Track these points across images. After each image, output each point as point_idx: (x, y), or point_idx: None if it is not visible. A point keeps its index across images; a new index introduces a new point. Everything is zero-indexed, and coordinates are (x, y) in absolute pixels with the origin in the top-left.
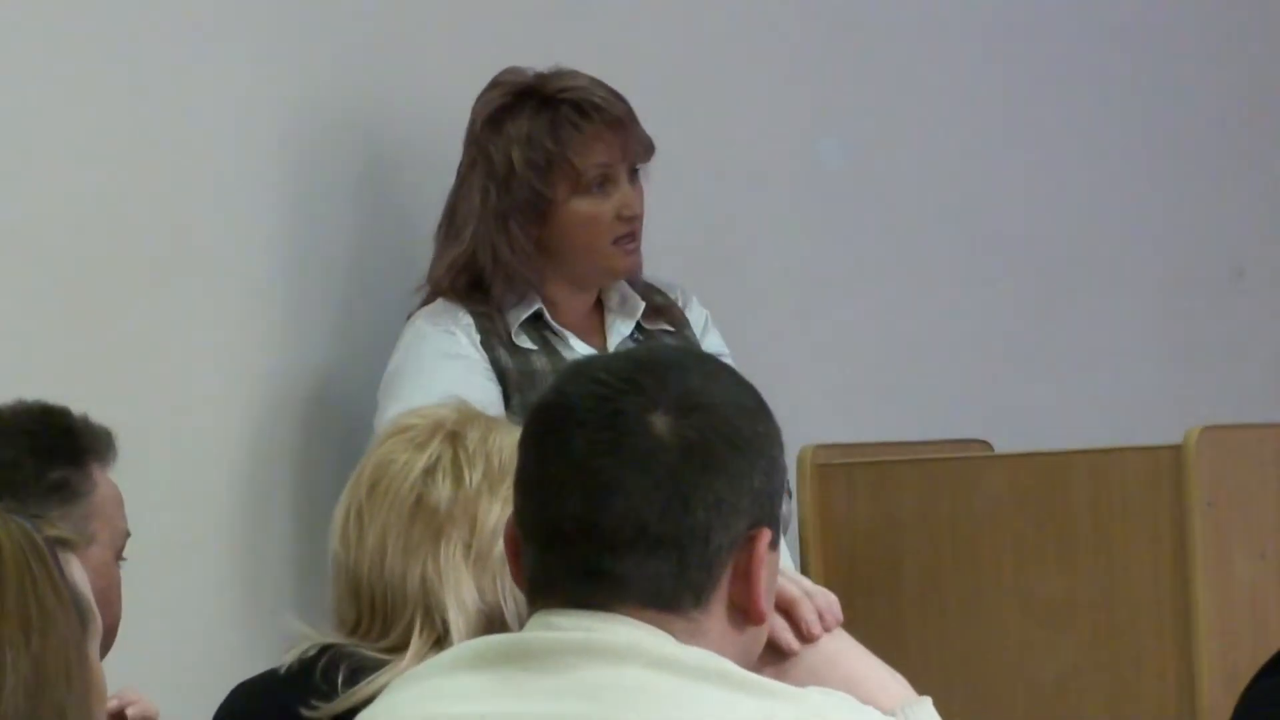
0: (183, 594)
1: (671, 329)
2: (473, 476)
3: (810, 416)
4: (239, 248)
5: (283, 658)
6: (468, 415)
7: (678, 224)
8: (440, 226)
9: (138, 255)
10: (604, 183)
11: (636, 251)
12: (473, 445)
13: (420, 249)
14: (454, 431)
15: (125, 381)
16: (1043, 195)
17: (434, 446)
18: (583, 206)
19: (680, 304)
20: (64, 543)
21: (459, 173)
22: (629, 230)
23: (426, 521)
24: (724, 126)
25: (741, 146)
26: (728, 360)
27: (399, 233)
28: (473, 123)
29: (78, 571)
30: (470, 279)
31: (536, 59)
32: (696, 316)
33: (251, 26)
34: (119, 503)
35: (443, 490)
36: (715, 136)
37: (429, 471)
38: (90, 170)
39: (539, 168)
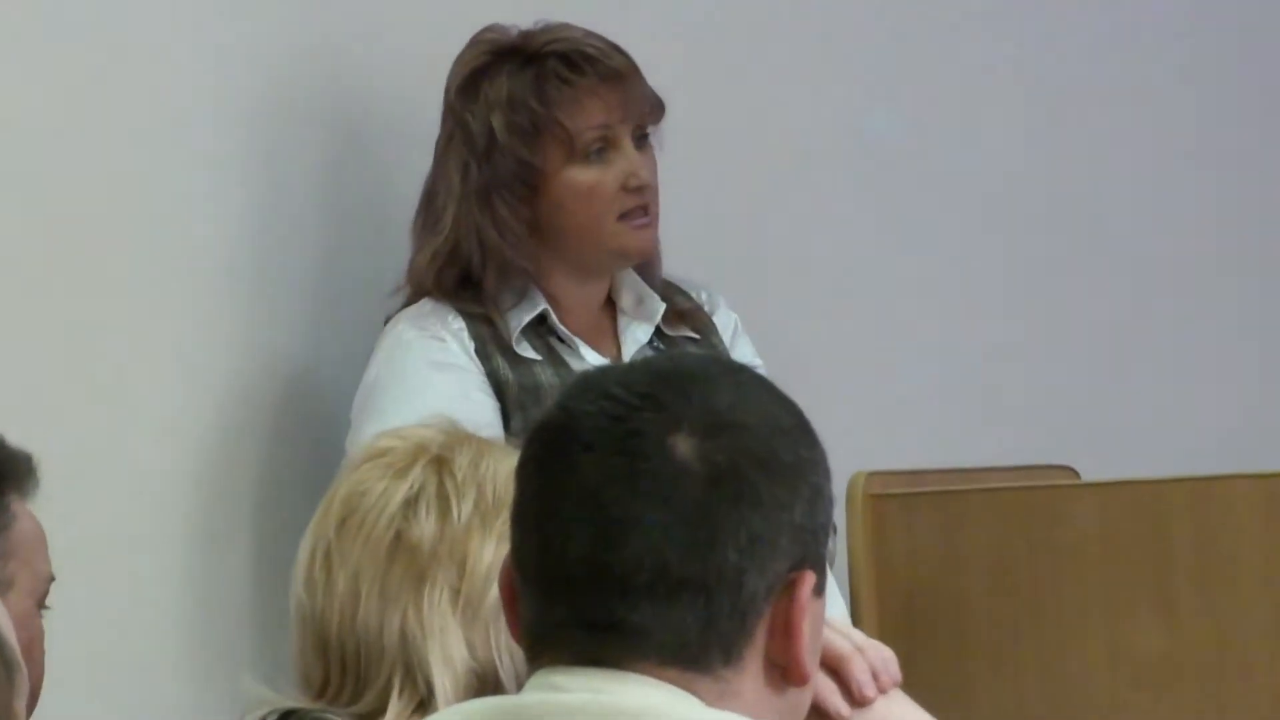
0: (119, 649)
1: (696, 336)
2: (462, 509)
3: (861, 438)
4: (190, 240)
5: None
6: (456, 437)
7: (701, 212)
8: (417, 215)
9: (67, 244)
10: (604, 148)
11: (650, 228)
12: (462, 473)
13: (400, 241)
14: (440, 456)
15: (54, 393)
16: (1141, 185)
17: (416, 474)
18: (579, 176)
19: (706, 308)
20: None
21: (435, 152)
22: (639, 203)
23: (407, 563)
24: (755, 95)
25: (778, 120)
26: (761, 372)
27: (376, 224)
28: (447, 90)
29: (2, 617)
30: (458, 274)
31: (535, 19)
32: (725, 321)
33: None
34: (41, 540)
35: (426, 526)
36: (745, 108)
37: (410, 503)
38: (26, 149)
39: (524, 133)
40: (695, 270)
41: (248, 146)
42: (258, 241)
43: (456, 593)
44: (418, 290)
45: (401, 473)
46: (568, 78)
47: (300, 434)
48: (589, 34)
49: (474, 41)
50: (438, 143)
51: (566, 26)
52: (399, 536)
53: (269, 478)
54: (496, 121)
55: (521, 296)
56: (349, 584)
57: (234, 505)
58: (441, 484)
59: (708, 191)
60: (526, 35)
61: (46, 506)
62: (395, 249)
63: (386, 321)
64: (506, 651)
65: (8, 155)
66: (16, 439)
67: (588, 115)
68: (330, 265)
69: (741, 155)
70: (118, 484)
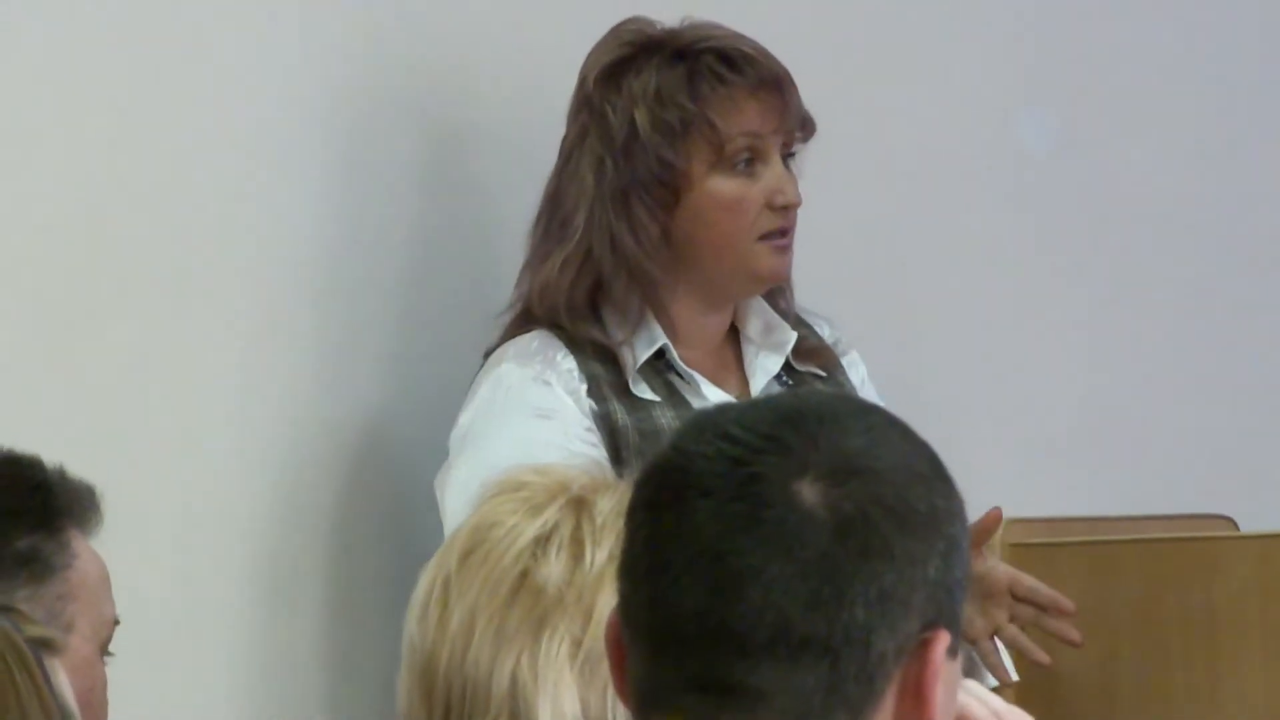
0: (186, 697)
1: (824, 374)
2: (596, 556)
3: (1001, 485)
4: (264, 262)
5: None
6: (601, 481)
7: (830, 235)
8: (538, 222)
9: (136, 269)
10: (751, 159)
11: (788, 252)
12: (602, 517)
13: (501, 261)
14: (581, 497)
15: (117, 427)
16: None
17: (552, 512)
18: (724, 186)
19: (830, 341)
20: (49, 645)
21: (562, 150)
22: (782, 224)
23: (529, 605)
24: (886, 103)
25: (910, 129)
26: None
27: (470, 246)
28: (583, 81)
29: (63, 678)
30: (592, 284)
31: (657, 13)
32: (852, 363)
33: None
34: (105, 581)
35: (555, 568)
36: (875, 116)
37: (541, 541)
38: (86, 171)
39: (671, 131)
40: (823, 300)
41: (331, 159)
42: (340, 264)
43: (578, 644)
44: (541, 309)
45: (537, 509)
46: (725, 76)
47: (383, 476)
48: (743, 36)
49: (615, 31)
50: (564, 141)
51: (718, 26)
52: (524, 575)
53: (351, 520)
54: (640, 116)
55: (638, 326)
56: (464, 619)
57: (311, 549)
58: (578, 526)
59: (837, 211)
60: (673, 32)
61: (110, 544)
62: (491, 272)
63: (487, 355)
64: (619, 713)
65: (80, 180)
66: (81, 472)
67: (742, 119)
68: (420, 289)
69: (874, 170)
70: (183, 523)
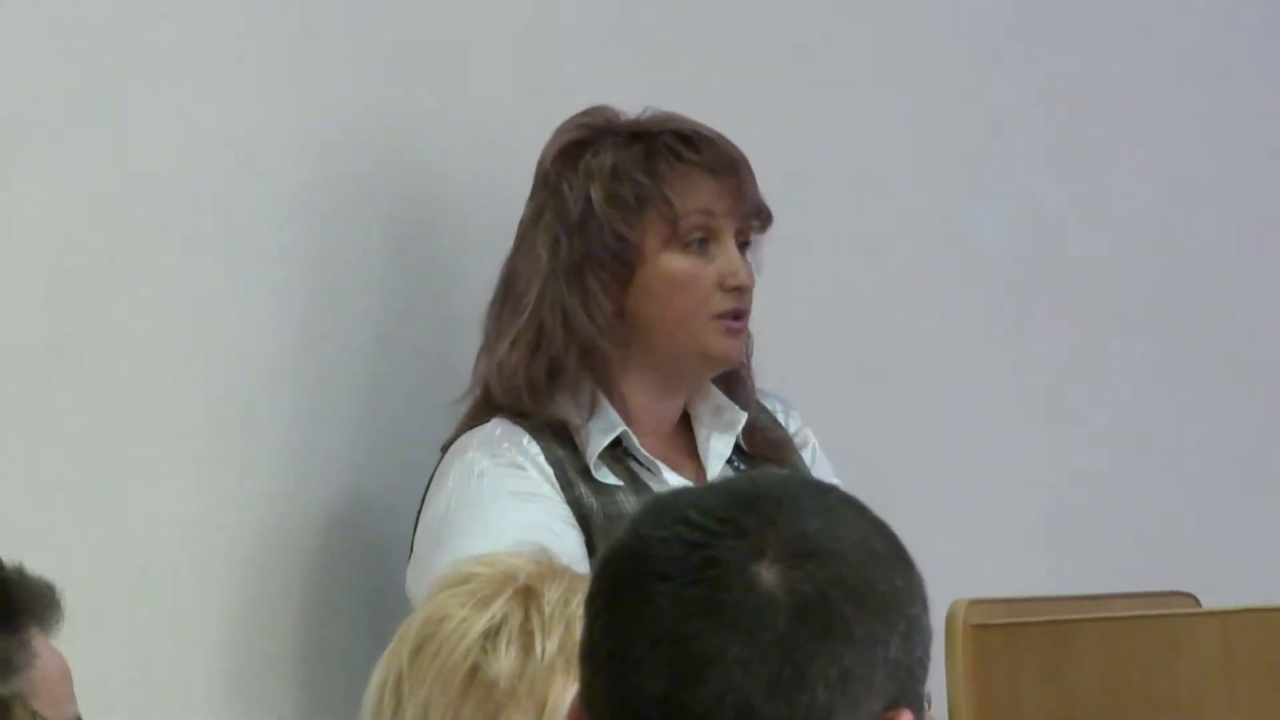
0: None
1: (778, 458)
2: (546, 646)
3: (962, 564)
4: (231, 350)
5: None
6: (548, 568)
7: (787, 315)
8: (494, 304)
9: (103, 358)
10: (705, 240)
11: (741, 335)
12: (550, 607)
13: (467, 347)
14: (529, 587)
15: (74, 518)
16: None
17: (500, 604)
18: (677, 264)
19: (781, 418)
20: None
21: (520, 230)
22: (735, 307)
23: (482, 699)
24: (838, 185)
25: (865, 212)
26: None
27: (439, 327)
28: (541, 161)
29: None
30: (547, 364)
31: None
32: (803, 441)
33: (268, 69)
34: (65, 678)
35: (506, 661)
36: (829, 197)
37: (490, 635)
38: (57, 267)
39: (626, 206)
40: (780, 381)
41: (298, 246)
42: (307, 350)
43: None
44: (500, 391)
45: (484, 601)
46: (682, 154)
47: (348, 570)
48: (702, 124)
49: (576, 117)
50: (522, 221)
51: (678, 115)
52: (475, 670)
53: (317, 616)
54: (596, 192)
55: (593, 411)
56: (418, 715)
57: (278, 647)
58: (527, 617)
59: (794, 292)
60: (635, 119)
61: (71, 643)
62: (456, 359)
63: (444, 449)
64: None
65: (50, 274)
66: (37, 562)
67: (696, 197)
68: (386, 368)
69: (821, 248)
70: (146, 614)
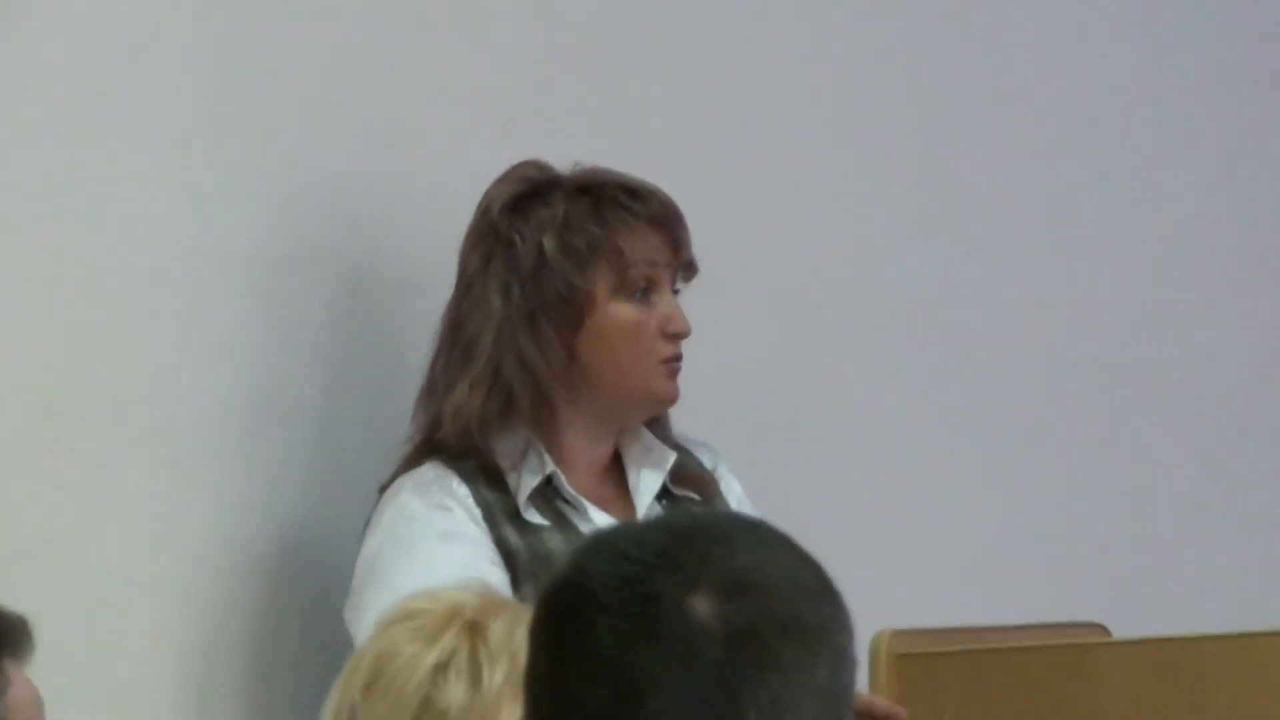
0: None
1: (701, 493)
2: (493, 678)
3: (885, 597)
4: (188, 393)
5: None
6: (492, 602)
7: (710, 367)
8: (439, 353)
9: (68, 402)
10: (647, 289)
11: (678, 376)
12: (495, 640)
13: (410, 394)
14: (474, 621)
15: (39, 553)
16: (1176, 345)
17: (448, 639)
18: (624, 312)
19: (708, 464)
20: None
21: (462, 280)
22: (675, 352)
23: None
24: (773, 238)
25: (795, 265)
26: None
27: (382, 377)
28: (485, 211)
29: None
30: (502, 403)
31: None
32: (729, 487)
33: (217, 132)
34: (37, 705)
35: (456, 692)
36: (752, 261)
37: (440, 669)
38: (34, 292)
39: (578, 255)
40: (707, 429)
41: (251, 300)
42: (258, 400)
43: None
44: (454, 430)
45: (433, 637)
46: (630, 206)
47: (299, 601)
48: (641, 179)
49: (516, 169)
50: (466, 270)
51: (611, 169)
52: (427, 701)
53: (269, 644)
54: (549, 241)
55: (525, 454)
56: None
57: (230, 673)
58: (474, 650)
59: (716, 346)
60: (575, 173)
61: (40, 670)
62: (400, 404)
63: (382, 490)
64: None
65: (15, 332)
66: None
67: (645, 247)
68: (333, 412)
69: (750, 309)
70: (109, 652)
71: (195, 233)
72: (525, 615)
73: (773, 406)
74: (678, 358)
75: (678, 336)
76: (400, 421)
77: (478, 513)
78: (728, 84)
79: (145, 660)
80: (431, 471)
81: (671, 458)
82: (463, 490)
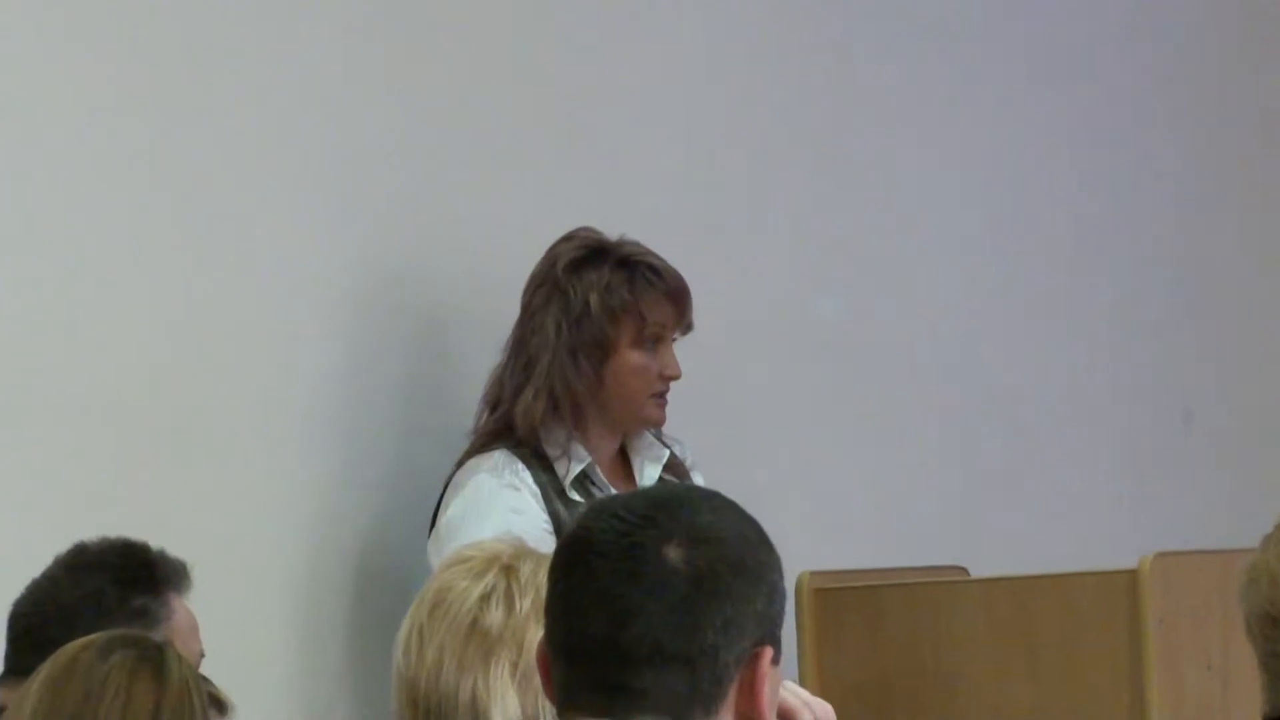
0: (248, 706)
1: (679, 476)
2: (523, 605)
3: (807, 545)
4: (286, 403)
5: None
6: (522, 551)
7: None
8: (507, 362)
9: (189, 409)
10: (656, 341)
11: (666, 406)
12: (524, 577)
13: (465, 399)
14: (509, 565)
15: (189, 521)
16: (1018, 354)
17: (490, 577)
18: (636, 358)
19: (680, 456)
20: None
21: (527, 310)
22: (665, 389)
23: (479, 643)
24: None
25: (744, 306)
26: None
27: (446, 384)
28: (551, 264)
29: None
30: (548, 407)
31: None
32: (690, 464)
33: (310, 191)
34: (194, 628)
35: (495, 616)
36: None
37: (485, 598)
38: (141, 328)
39: (612, 312)
40: (680, 424)
41: (337, 335)
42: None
43: (515, 666)
44: (523, 427)
45: (479, 575)
46: (653, 281)
47: (387, 559)
48: (662, 259)
49: (576, 235)
50: (529, 303)
51: (640, 244)
52: (475, 622)
53: (364, 589)
54: (594, 299)
55: (564, 449)
56: (435, 655)
57: (334, 614)
58: (509, 585)
59: (688, 365)
60: (617, 243)
61: (198, 600)
62: (463, 408)
63: (459, 464)
64: (546, 710)
65: (106, 360)
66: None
67: (660, 312)
68: (402, 427)
69: (712, 333)
70: (249, 590)
71: (291, 289)
72: (546, 560)
73: (722, 411)
74: (666, 392)
75: (672, 379)
76: (454, 434)
77: (537, 491)
78: (674, 133)
79: (271, 596)
80: (502, 457)
81: (666, 454)
82: (526, 474)
